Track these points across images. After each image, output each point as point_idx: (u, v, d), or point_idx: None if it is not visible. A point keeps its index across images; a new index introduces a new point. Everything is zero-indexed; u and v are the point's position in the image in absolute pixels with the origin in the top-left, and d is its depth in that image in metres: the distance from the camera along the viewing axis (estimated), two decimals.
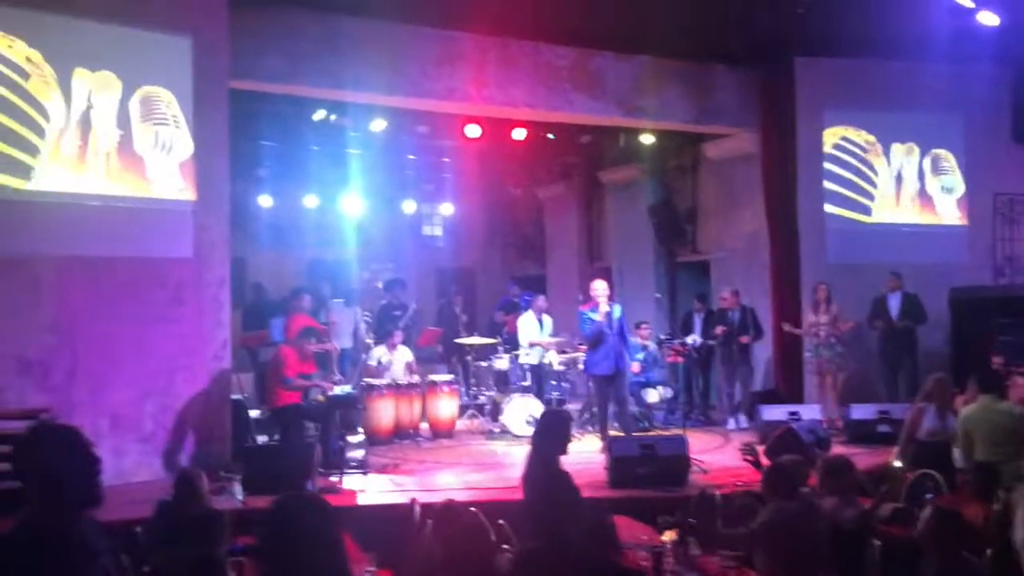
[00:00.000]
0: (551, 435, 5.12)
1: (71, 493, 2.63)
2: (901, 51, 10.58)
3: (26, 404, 7.32)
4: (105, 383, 7.85)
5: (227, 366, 8.73)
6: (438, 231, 17.42)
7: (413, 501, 5.58)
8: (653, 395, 11.33)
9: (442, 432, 10.45)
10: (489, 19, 9.57)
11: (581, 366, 10.52)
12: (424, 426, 10.57)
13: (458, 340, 11.70)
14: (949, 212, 11.72)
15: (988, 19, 9.33)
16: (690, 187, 13.80)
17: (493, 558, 3.74)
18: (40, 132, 7.64)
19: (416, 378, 10.51)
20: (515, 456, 9.20)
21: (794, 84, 11.28)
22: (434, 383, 10.54)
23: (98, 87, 7.96)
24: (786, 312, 11.17)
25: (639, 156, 13.61)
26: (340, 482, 7.63)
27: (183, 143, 8.43)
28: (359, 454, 8.39)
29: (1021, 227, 11.42)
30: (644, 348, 11.36)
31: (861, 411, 9.73)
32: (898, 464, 5.85)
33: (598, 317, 9.04)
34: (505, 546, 4.23)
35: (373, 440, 9.73)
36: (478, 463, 8.99)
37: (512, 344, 11.34)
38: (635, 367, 10.48)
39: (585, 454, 8.46)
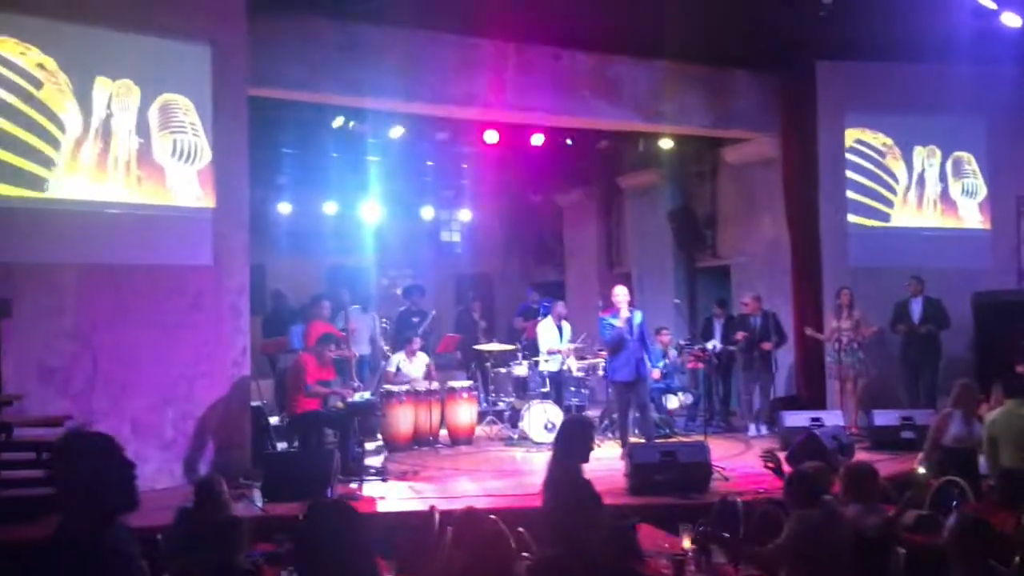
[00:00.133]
0: (573, 442, 5.08)
1: (107, 498, 2.67)
2: (923, 53, 10.50)
3: (47, 411, 7.37)
4: (126, 390, 7.89)
5: (247, 373, 8.75)
6: (457, 237, 17.42)
7: (432, 508, 5.55)
8: (673, 401, 11.28)
9: (461, 439, 10.43)
10: (507, 25, 9.57)
11: (601, 372, 10.48)
12: (443, 433, 10.55)
13: (477, 346, 11.69)
14: (971, 216, 11.60)
15: (1011, 20, 9.24)
16: (710, 192, 13.75)
17: (513, 566, 3.71)
18: (54, 143, 7.66)
19: (435, 385, 10.50)
20: (534, 463, 9.19)
21: (815, 87, 11.21)
22: (453, 389, 10.52)
23: (118, 95, 8.01)
24: (808, 317, 11.09)
25: (658, 161, 13.57)
26: (359, 489, 7.63)
27: (202, 151, 8.46)
28: (378, 461, 8.38)
29: None
30: (664, 354, 11.30)
31: (884, 417, 9.63)
32: (922, 471, 5.78)
33: (618, 323, 9.00)
34: (525, 554, 4.20)
35: (392, 447, 9.74)
36: (497, 470, 8.96)
37: (531, 350, 11.31)
38: (656, 374, 10.42)
39: (605, 461, 8.40)
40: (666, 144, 12.66)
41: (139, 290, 8.05)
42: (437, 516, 5.28)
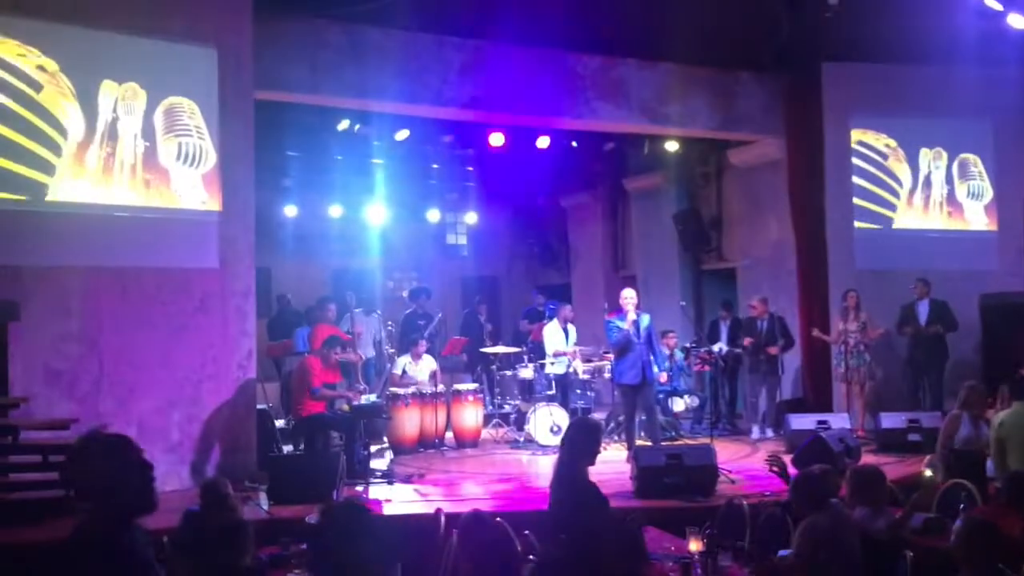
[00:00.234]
0: (580, 444, 5.07)
1: (126, 500, 2.70)
2: (929, 55, 10.48)
3: (54, 414, 7.39)
4: (132, 393, 7.90)
5: (252, 376, 8.76)
6: (462, 240, 17.40)
7: (438, 511, 5.55)
8: (679, 404, 11.26)
9: (467, 441, 10.42)
10: (512, 28, 9.57)
11: (607, 375, 10.47)
12: (449, 435, 10.55)
13: (483, 349, 11.68)
14: (977, 218, 11.57)
15: (1017, 22, 9.21)
16: (715, 194, 13.75)
17: (519, 569, 3.70)
18: (55, 148, 7.63)
19: (441, 387, 10.50)
20: (540, 466, 9.19)
21: (821, 90, 11.20)
22: (459, 392, 10.52)
23: (124, 99, 8.02)
24: (814, 320, 11.07)
25: (664, 163, 13.58)
26: (365, 492, 7.62)
27: (206, 154, 8.47)
28: (384, 464, 8.37)
29: None
30: (670, 357, 11.28)
31: (891, 420, 9.60)
32: (929, 473, 5.75)
33: (625, 325, 8.97)
34: (531, 557, 4.19)
35: (398, 449, 9.73)
36: (503, 473, 8.95)
37: (537, 353, 11.30)
38: (663, 377, 10.38)
39: (611, 464, 8.39)
40: (671, 146, 12.66)
41: (146, 293, 8.06)
42: (443, 519, 5.28)
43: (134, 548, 2.70)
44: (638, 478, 7.45)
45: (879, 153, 11.39)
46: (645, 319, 9.10)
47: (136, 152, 8.09)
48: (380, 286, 15.19)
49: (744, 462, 9.06)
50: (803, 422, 9.51)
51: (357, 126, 11.61)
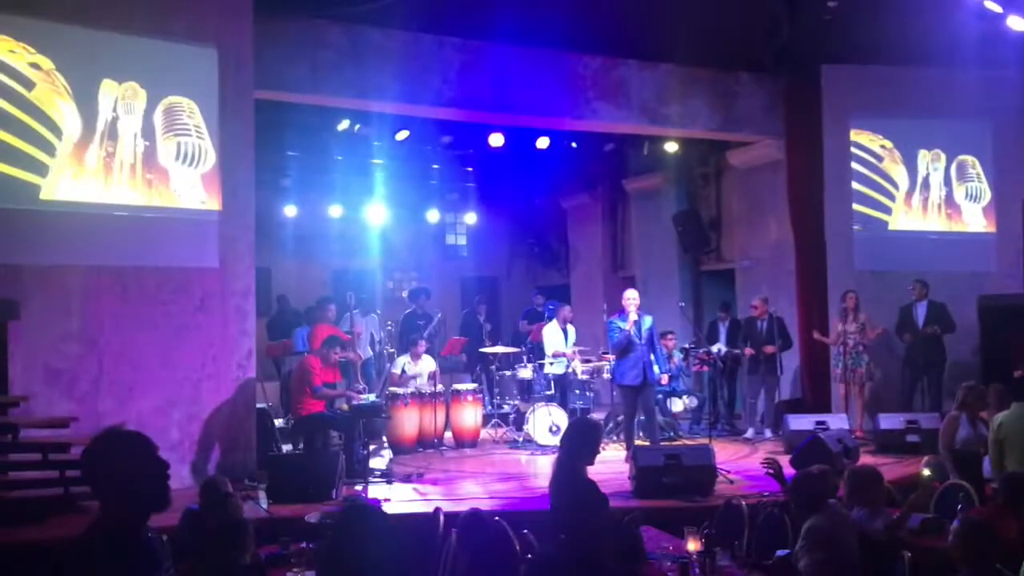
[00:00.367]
0: (580, 444, 5.08)
1: (141, 497, 2.69)
2: (929, 57, 10.49)
3: (53, 413, 7.40)
4: (132, 392, 7.91)
5: (252, 375, 8.77)
6: (462, 240, 17.42)
7: (437, 510, 5.56)
8: (678, 404, 11.27)
9: (466, 441, 10.43)
10: (512, 28, 9.58)
11: (606, 375, 10.48)
12: (448, 435, 10.56)
13: (482, 349, 11.70)
14: (975, 220, 11.58)
15: (1016, 24, 9.23)
16: (715, 195, 13.77)
17: (517, 567, 3.72)
18: (47, 147, 7.60)
19: (440, 387, 10.51)
20: (539, 465, 9.20)
21: (820, 91, 11.21)
22: (458, 392, 10.53)
23: (124, 98, 8.03)
24: (813, 321, 11.09)
25: (663, 164, 13.60)
26: (364, 491, 7.63)
27: (206, 153, 8.48)
28: (383, 463, 8.38)
29: None
30: (668, 357, 11.29)
31: (889, 421, 9.62)
32: (927, 472, 5.77)
33: (626, 326, 8.95)
34: (529, 555, 4.21)
35: (397, 449, 9.74)
36: (502, 472, 8.97)
37: (536, 353, 11.32)
38: (664, 379, 10.37)
39: (609, 463, 8.40)
40: (671, 147, 12.68)
41: (146, 292, 8.07)
42: (442, 518, 5.29)
43: (149, 546, 2.71)
44: (637, 478, 7.46)
45: (874, 155, 11.40)
46: (647, 320, 9.08)
47: (136, 152, 8.10)
48: (380, 286, 15.21)
49: (743, 462, 9.07)
50: (801, 423, 9.53)
51: (357, 126, 11.61)
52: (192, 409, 8.26)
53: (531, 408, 10.43)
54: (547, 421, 10.11)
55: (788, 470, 5.78)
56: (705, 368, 11.77)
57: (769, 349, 10.77)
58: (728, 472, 8.04)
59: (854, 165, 11.33)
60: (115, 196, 7.99)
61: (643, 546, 4.50)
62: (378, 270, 15.22)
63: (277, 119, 10.69)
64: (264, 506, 7.09)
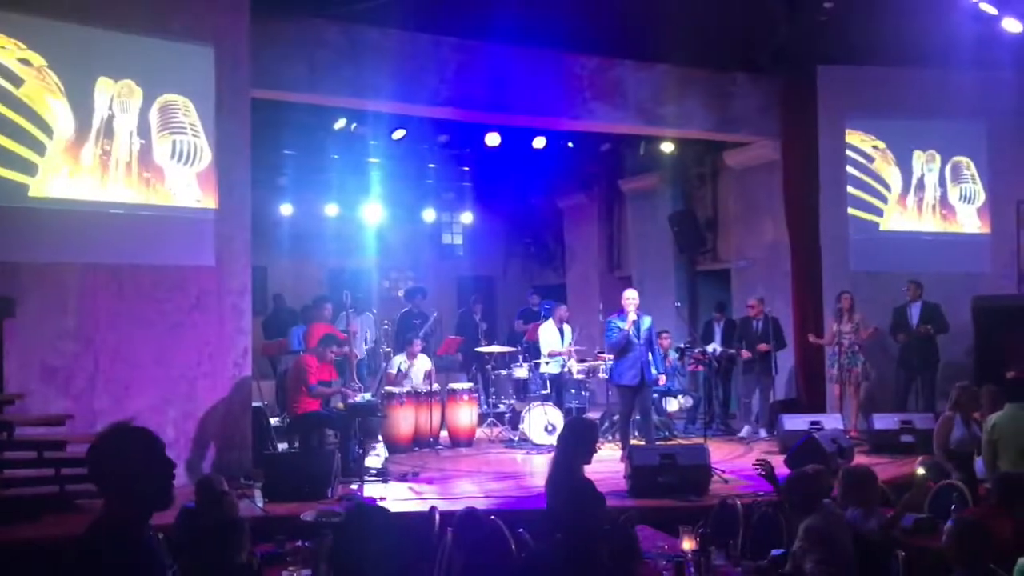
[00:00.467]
0: (577, 443, 5.09)
1: (146, 495, 2.68)
2: (924, 58, 10.53)
3: (49, 410, 7.40)
4: (128, 390, 7.91)
5: (248, 373, 8.77)
6: (458, 240, 17.44)
7: (433, 509, 5.57)
8: (673, 404, 11.29)
9: (461, 440, 10.44)
10: (509, 28, 9.59)
11: (602, 375, 10.49)
12: (444, 434, 10.57)
13: (478, 349, 11.71)
14: (970, 221, 11.61)
15: (1012, 26, 9.27)
16: (710, 195, 13.79)
17: (513, 566, 3.73)
18: (36, 145, 7.56)
19: (436, 386, 10.52)
20: (534, 465, 9.22)
21: (816, 92, 11.24)
22: (454, 391, 10.53)
23: (120, 96, 8.02)
24: (808, 321, 11.12)
25: (659, 164, 13.61)
26: (360, 490, 7.64)
27: (201, 152, 8.47)
28: (379, 462, 8.39)
29: None
30: (664, 357, 11.31)
31: (883, 421, 9.64)
32: (922, 471, 5.79)
33: (625, 326, 8.94)
34: (524, 555, 4.22)
35: (393, 448, 9.74)
36: (497, 471, 8.97)
37: (532, 353, 11.33)
38: (662, 379, 10.37)
39: (604, 463, 8.40)
40: (667, 147, 12.69)
41: (141, 290, 8.07)
42: (437, 517, 5.30)
43: (151, 544, 2.71)
44: (632, 477, 7.48)
45: (865, 156, 11.42)
46: (646, 321, 9.07)
47: (132, 150, 8.10)
48: (376, 285, 15.22)
49: (737, 462, 9.09)
50: (796, 423, 9.55)
51: (354, 125, 11.61)
52: (188, 407, 8.26)
53: (527, 407, 10.44)
54: (543, 420, 10.13)
55: (781, 470, 5.80)
56: (700, 368, 11.80)
57: (763, 347, 10.79)
58: (723, 472, 8.06)
59: (847, 167, 11.35)
60: (111, 194, 7.98)
61: (639, 545, 4.51)
62: (374, 269, 15.23)
63: (273, 118, 10.69)
64: (260, 505, 7.09)
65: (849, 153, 11.37)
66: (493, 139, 11.82)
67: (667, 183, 14.01)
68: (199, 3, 8.48)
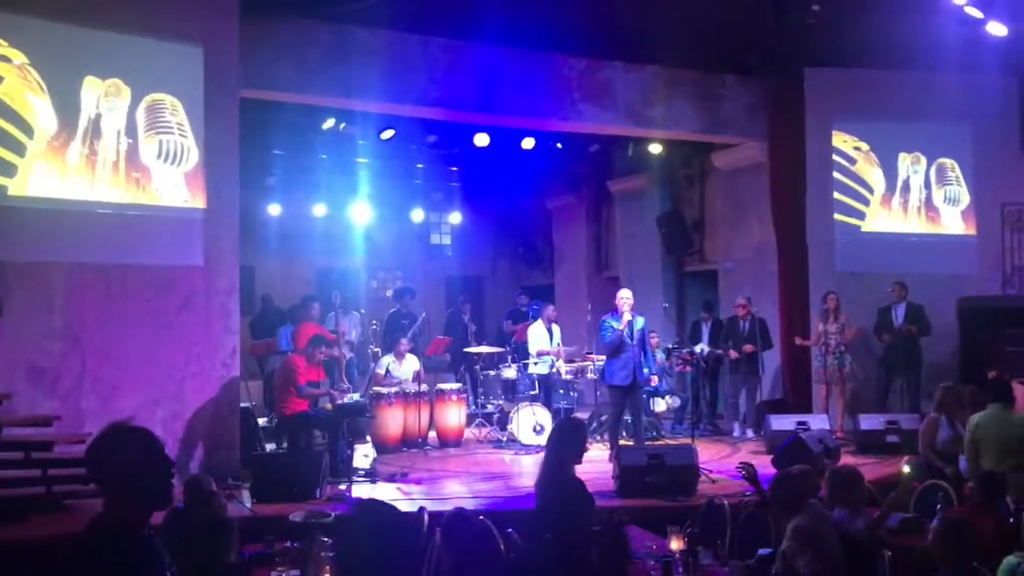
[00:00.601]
0: (566, 443, 5.10)
1: (145, 494, 2.68)
2: (910, 61, 10.60)
3: (36, 411, 7.37)
4: (115, 390, 7.88)
5: (236, 374, 8.75)
6: (446, 240, 17.45)
7: (421, 509, 5.58)
8: (661, 404, 11.33)
9: (450, 441, 10.45)
10: (499, 29, 9.60)
11: (590, 375, 10.51)
12: (432, 435, 10.57)
13: (466, 349, 11.72)
14: (954, 223, 11.68)
15: (996, 29, 9.34)
16: (698, 196, 13.84)
17: (502, 566, 3.75)
18: (14, 144, 7.50)
19: (424, 387, 10.52)
20: (523, 465, 9.23)
21: (803, 94, 11.30)
22: (442, 392, 10.54)
23: (107, 95, 8.00)
24: (795, 321, 11.17)
25: (648, 166, 13.66)
26: (348, 490, 7.64)
27: (188, 152, 8.45)
28: (367, 462, 8.39)
29: None
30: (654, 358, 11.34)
31: (870, 421, 9.70)
32: (907, 470, 5.83)
33: (619, 326, 8.94)
34: (513, 555, 4.23)
35: (381, 449, 9.73)
36: (486, 472, 8.98)
37: (520, 353, 11.35)
38: (654, 380, 10.38)
39: (593, 463, 8.40)
40: (655, 149, 12.73)
41: (129, 290, 8.04)
42: (426, 517, 5.31)
43: (151, 542, 2.71)
44: (620, 477, 7.50)
45: (847, 158, 11.48)
46: (639, 321, 9.06)
47: (119, 149, 8.07)
48: (364, 285, 15.20)
49: (725, 462, 9.12)
50: (783, 423, 9.60)
51: (342, 125, 11.59)
52: (176, 407, 8.24)
53: (515, 408, 10.46)
54: (531, 421, 10.15)
55: (766, 471, 5.83)
56: (688, 368, 11.84)
57: (748, 348, 10.83)
58: (710, 472, 8.09)
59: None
60: (99, 194, 7.96)
61: (628, 545, 4.54)
62: (362, 269, 15.21)
63: (262, 118, 10.66)
64: (248, 505, 7.08)
65: (833, 156, 11.43)
66: (482, 140, 11.83)
67: (655, 184, 14.05)
68: (188, 3, 8.46)
